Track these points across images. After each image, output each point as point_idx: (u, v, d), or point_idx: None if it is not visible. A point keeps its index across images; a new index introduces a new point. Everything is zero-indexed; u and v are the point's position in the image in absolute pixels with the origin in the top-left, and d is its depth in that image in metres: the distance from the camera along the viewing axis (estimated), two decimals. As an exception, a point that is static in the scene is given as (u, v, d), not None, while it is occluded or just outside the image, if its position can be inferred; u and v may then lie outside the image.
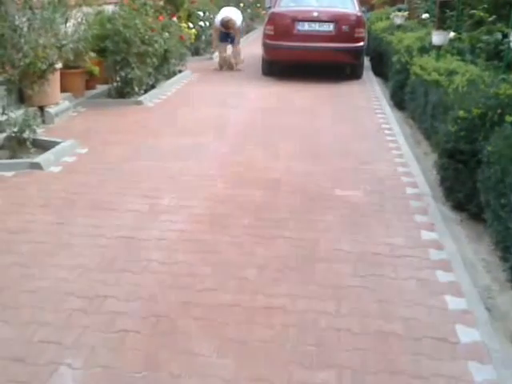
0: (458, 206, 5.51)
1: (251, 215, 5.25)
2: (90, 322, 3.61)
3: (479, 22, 9.66)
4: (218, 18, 13.87)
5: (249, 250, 4.58)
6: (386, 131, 8.31)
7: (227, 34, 13.83)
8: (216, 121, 8.71)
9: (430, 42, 9.65)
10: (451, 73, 7.44)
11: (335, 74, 12.92)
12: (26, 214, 5.22)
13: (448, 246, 4.67)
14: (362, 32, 12.51)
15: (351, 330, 3.54)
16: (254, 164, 6.68)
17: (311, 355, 3.30)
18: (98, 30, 9.67)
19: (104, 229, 4.93)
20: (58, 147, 6.90)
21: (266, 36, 12.72)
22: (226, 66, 13.96)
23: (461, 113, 5.40)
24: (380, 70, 13.42)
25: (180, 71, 12.63)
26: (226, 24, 13.74)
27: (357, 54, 12.60)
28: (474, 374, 3.18)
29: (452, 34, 8.87)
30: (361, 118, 9.12)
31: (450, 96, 6.59)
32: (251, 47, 15.78)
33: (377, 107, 10.00)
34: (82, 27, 9.36)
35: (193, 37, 13.97)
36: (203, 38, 15.79)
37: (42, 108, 8.34)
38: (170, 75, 11.83)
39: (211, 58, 15.44)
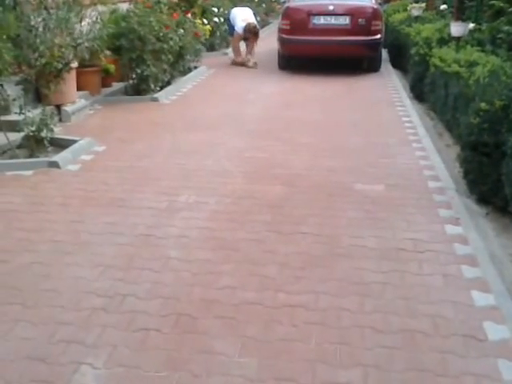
0: (483, 200, 5.41)
1: (271, 211, 5.18)
2: (111, 320, 3.57)
3: (499, 12, 9.53)
4: (239, 24, 13.67)
5: (269, 247, 4.51)
6: (407, 124, 8.22)
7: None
8: (233, 116, 8.66)
9: (449, 34, 9.54)
10: (472, 64, 7.33)
11: (353, 67, 12.81)
12: (45, 213, 5.19)
13: (473, 241, 4.58)
14: (378, 24, 12.37)
15: (375, 327, 3.46)
16: (273, 159, 6.61)
17: (335, 354, 3.23)
18: (113, 28, 9.61)
19: (123, 227, 4.89)
20: (75, 145, 6.87)
21: (281, 31, 12.64)
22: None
23: (483, 105, 5.29)
24: (398, 63, 13.29)
25: (195, 67, 12.56)
26: (253, 30, 13.61)
27: (374, 46, 12.46)
28: (503, 372, 3.10)
29: (471, 25, 8.71)
30: (380, 111, 9.02)
31: (471, 88, 6.48)
32: (267, 42, 15.65)
33: (396, 100, 9.89)
34: (97, 26, 9.30)
35: (207, 33, 13.87)
36: (218, 33, 15.69)
37: (58, 107, 8.32)
38: (185, 71, 11.78)
39: (226, 54, 15.35)
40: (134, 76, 9.69)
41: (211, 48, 15.61)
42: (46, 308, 3.70)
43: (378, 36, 12.36)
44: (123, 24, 9.57)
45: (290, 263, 4.27)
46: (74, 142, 7.00)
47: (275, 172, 6.18)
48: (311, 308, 3.68)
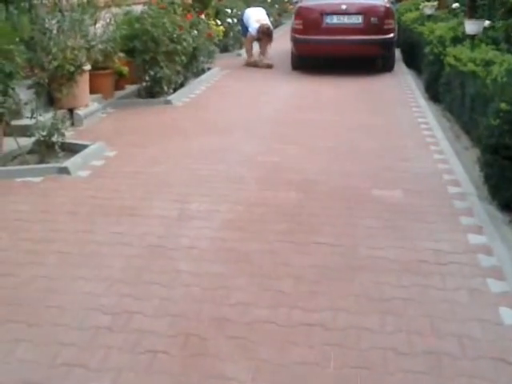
0: (506, 206, 5.17)
1: (285, 220, 4.99)
2: (116, 341, 3.38)
3: (510, 11, 9.31)
4: (253, 25, 13.49)
5: (284, 259, 4.32)
6: (423, 125, 8.00)
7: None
8: (246, 119, 8.47)
9: (463, 32, 9.31)
10: (488, 63, 7.12)
11: (366, 67, 12.60)
12: (52, 222, 5.02)
13: (498, 251, 4.35)
14: (391, 23, 12.17)
15: (398, 349, 3.24)
16: (287, 164, 6.42)
17: (355, 379, 3.01)
18: (127, 30, 9.48)
19: (132, 237, 4.72)
20: (86, 151, 6.72)
21: (294, 30, 12.47)
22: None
23: (503, 105, 5.08)
24: (412, 62, 13.05)
25: (209, 68, 12.38)
26: (266, 31, 13.45)
27: (387, 45, 12.25)
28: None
29: (487, 23, 8.47)
30: (396, 112, 8.80)
31: (488, 87, 6.26)
32: (279, 42, 15.43)
33: (411, 100, 9.67)
34: (111, 28, 9.18)
35: (221, 34, 13.69)
36: (231, 34, 15.51)
37: (71, 110, 8.18)
38: (199, 73, 11.61)
39: (240, 55, 15.17)
40: (147, 78, 9.50)
41: (225, 49, 15.43)
42: (49, 327, 3.53)
43: (391, 35, 12.15)
44: (137, 26, 9.42)
45: (305, 276, 4.07)
46: (85, 146, 6.84)
47: (289, 177, 5.98)
48: (329, 327, 3.47)
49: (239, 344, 3.33)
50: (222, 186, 5.80)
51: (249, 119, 8.45)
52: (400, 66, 13.13)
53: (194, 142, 7.28)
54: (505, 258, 4.25)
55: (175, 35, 9.63)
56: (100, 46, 8.74)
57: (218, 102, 9.78)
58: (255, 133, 7.70)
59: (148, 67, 9.34)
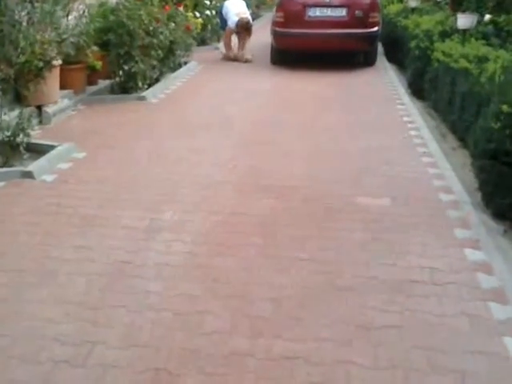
0: (501, 215, 4.81)
1: (264, 232, 4.61)
2: (75, 378, 2.98)
3: (500, 4, 8.98)
4: (232, 18, 13.02)
5: (263, 278, 3.93)
6: (409, 124, 7.64)
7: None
8: (222, 118, 8.04)
9: (452, 26, 8.98)
10: (481, 59, 6.77)
11: (347, 61, 12.23)
12: (10, 235, 4.59)
13: (499, 269, 3.99)
14: (376, 16, 11.76)
15: (394, 390, 2.86)
16: (266, 168, 6.03)
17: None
18: (101, 22, 9.01)
19: (96, 252, 4.30)
20: (52, 152, 6.28)
21: (275, 23, 11.99)
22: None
23: (504, 107, 4.71)
24: (394, 56, 12.70)
25: (186, 63, 11.94)
26: (245, 26, 13.01)
27: (371, 39, 11.88)
28: None
29: (488, 17, 8.09)
30: (380, 110, 8.42)
31: (484, 86, 5.90)
32: (258, 36, 14.95)
33: (395, 97, 9.31)
34: (84, 20, 8.70)
35: (199, 26, 13.24)
36: (209, 27, 15.04)
37: (39, 107, 7.71)
38: (175, 67, 11.16)
39: (217, 48, 14.72)
40: (121, 73, 9.05)
41: (202, 42, 14.98)
42: (-2, 362, 3.10)
43: (376, 28, 11.76)
44: (112, 18, 8.94)
45: (286, 299, 3.69)
46: (52, 147, 6.40)
47: (268, 183, 5.59)
48: (313, 361, 3.09)
49: (214, 381, 2.93)
50: (196, 192, 5.40)
51: (225, 117, 8.04)
52: (382, 60, 12.77)
53: (167, 143, 6.86)
54: (506, 277, 3.89)
55: (151, 28, 9.18)
56: (72, 40, 8.29)
57: (193, 98, 9.34)
58: (232, 133, 7.30)
59: (122, 62, 8.88)
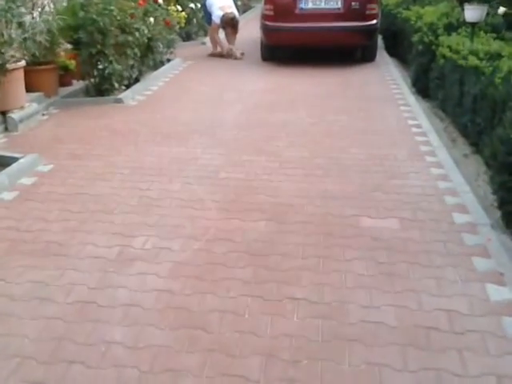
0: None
1: (253, 262, 3.95)
2: None
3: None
4: (216, 12, 12.23)
5: (250, 324, 3.28)
6: (414, 129, 6.93)
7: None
8: (207, 122, 7.32)
9: (458, 18, 8.33)
10: (493, 56, 6.12)
11: (344, 57, 11.54)
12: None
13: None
14: (374, 8, 10.93)
15: None
16: (256, 182, 5.34)
17: None
18: (70, 19, 8.27)
19: (55, 288, 3.68)
20: (14, 166, 5.61)
21: (264, 17, 11.18)
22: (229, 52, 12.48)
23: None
24: (395, 51, 12.03)
25: (169, 60, 11.23)
26: (230, 22, 12.26)
27: (369, 33, 11.07)
28: None
29: (502, 10, 7.40)
30: (382, 112, 7.72)
31: (498, 88, 5.24)
32: (248, 29, 14.27)
33: (399, 96, 8.60)
34: (48, 17, 7.98)
35: (183, 20, 12.49)
36: (194, 21, 14.30)
37: (4, 113, 6.99)
38: (157, 65, 10.45)
39: (204, 43, 13.99)
40: (95, 74, 8.32)
41: (188, 37, 14.31)
42: None
43: (374, 21, 10.95)
44: (81, 14, 8.16)
45: (278, 353, 3.05)
46: (15, 159, 5.74)
47: (258, 200, 4.91)
48: None
49: None
50: (175, 212, 4.72)
51: (212, 122, 7.33)
52: (382, 55, 12.03)
53: (145, 153, 6.16)
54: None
55: (126, 24, 8.46)
56: (39, 38, 7.59)
57: (176, 100, 8.62)
58: (218, 140, 6.60)
59: (95, 62, 8.15)
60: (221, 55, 12.43)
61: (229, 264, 3.93)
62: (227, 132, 6.88)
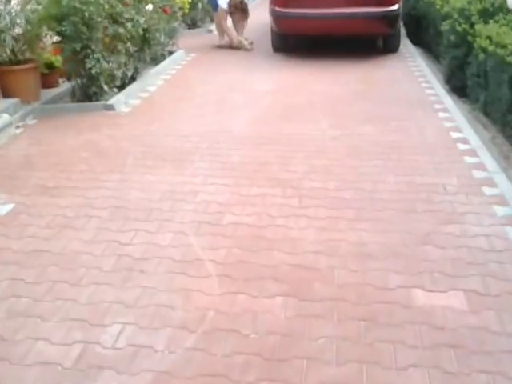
0: None
1: (266, 374, 2.83)
2: None
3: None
4: None
5: None
6: (461, 145, 5.68)
7: None
8: (210, 137, 6.09)
9: (493, 3, 7.16)
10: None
11: (365, 46, 10.27)
12: None
13: None
14: (396, -8, 9.64)
15: None
16: (269, 232, 4.15)
17: None
18: (53, 7, 7.05)
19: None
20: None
21: (273, 2, 9.86)
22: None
23: None
24: (418, 38, 10.77)
25: (171, 52, 9.99)
26: (239, 6, 10.99)
27: (391, 20, 9.68)
28: None
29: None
30: (417, 121, 6.48)
31: None
32: (258, 13, 12.90)
33: (433, 98, 7.34)
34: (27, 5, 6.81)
35: (186, 6, 11.21)
36: (200, 6, 13.00)
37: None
38: (157, 59, 9.22)
39: (211, 31, 12.71)
40: (82, 73, 7.13)
41: (193, 24, 13.02)
42: None
43: (395, 6, 9.56)
44: (64, 2, 6.90)
45: None
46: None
47: (273, 261, 3.74)
48: None
49: None
50: (163, 282, 3.56)
51: (215, 136, 6.12)
52: (404, 43, 10.70)
53: (131, 184, 4.97)
54: None
55: (117, 14, 7.24)
56: (14, 31, 6.47)
57: (175, 104, 7.40)
58: (223, 163, 5.40)
59: (80, 60, 6.94)
60: (229, 47, 11.15)
61: (233, 376, 2.77)
62: (234, 151, 5.67)
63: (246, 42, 10.95)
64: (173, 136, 6.15)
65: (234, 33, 11.24)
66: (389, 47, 10.23)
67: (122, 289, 3.49)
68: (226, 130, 6.28)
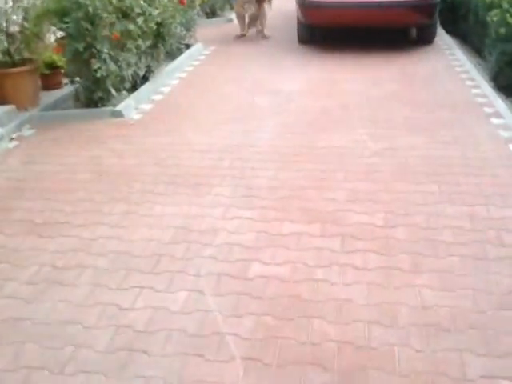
0: None
1: None
2: None
3: None
4: None
5: None
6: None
7: None
8: (233, 153, 5.25)
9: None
10: None
11: (397, 38, 9.39)
12: None
13: None
14: (433, -22, 8.73)
15: None
16: (307, 291, 3.32)
17: None
18: (53, 2, 6.25)
19: None
20: None
21: None
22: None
23: None
24: (453, 28, 9.83)
25: (188, 46, 9.13)
26: None
27: (430, 9, 8.81)
28: None
29: None
30: (469, 130, 5.63)
31: None
32: (279, 2, 11.92)
33: (481, 100, 6.47)
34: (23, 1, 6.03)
35: (205, -6, 10.37)
36: (219, -8, 12.15)
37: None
38: (173, 54, 8.38)
39: (231, 20, 11.81)
40: (85, 76, 6.30)
41: (212, 13, 12.13)
42: None
43: None
44: None
45: None
46: None
47: (314, 336, 2.94)
48: None
49: None
50: (169, 373, 2.76)
51: (238, 151, 5.27)
52: (439, 33, 9.72)
53: (138, 218, 4.15)
54: None
55: (125, 8, 6.40)
56: (12, 29, 5.70)
57: (192, 109, 6.55)
58: (247, 188, 4.55)
59: (84, 61, 6.12)
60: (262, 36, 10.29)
61: None
62: (260, 171, 4.83)
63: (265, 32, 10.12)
64: (188, 151, 5.31)
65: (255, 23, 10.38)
66: (424, 38, 9.38)
67: (119, 381, 2.67)
68: (250, 143, 5.44)
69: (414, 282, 3.31)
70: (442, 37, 9.73)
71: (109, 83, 6.24)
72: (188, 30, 9.14)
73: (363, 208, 4.16)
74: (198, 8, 9.74)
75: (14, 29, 6.09)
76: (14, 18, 6.08)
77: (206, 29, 10.68)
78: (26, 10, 6.15)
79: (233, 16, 11.72)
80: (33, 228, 4.03)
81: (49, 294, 3.30)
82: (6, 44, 6.07)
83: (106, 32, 6.12)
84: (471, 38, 8.74)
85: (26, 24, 6.17)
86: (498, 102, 6.35)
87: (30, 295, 3.30)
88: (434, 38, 9.40)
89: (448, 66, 7.95)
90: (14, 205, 4.39)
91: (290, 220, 4.02)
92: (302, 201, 4.30)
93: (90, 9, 5.90)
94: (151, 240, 3.82)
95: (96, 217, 4.15)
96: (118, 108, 6.28)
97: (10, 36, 6.14)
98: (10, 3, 6.09)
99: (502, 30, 6.65)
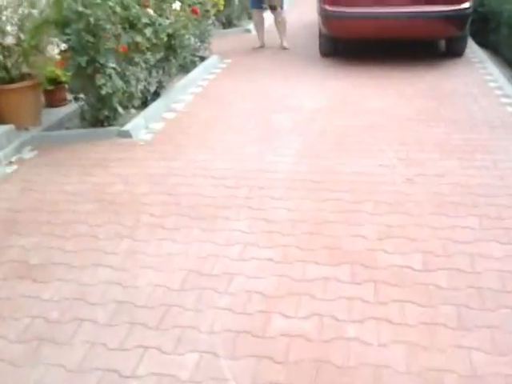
0: None
1: None
2: None
3: None
4: None
5: None
6: None
7: None
8: (251, 179, 4.77)
9: None
10: None
11: (424, 48, 8.90)
12: None
13: None
14: (466, -12, 8.21)
15: None
16: (327, 339, 2.90)
17: None
18: (52, 12, 5.84)
19: None
20: None
21: (324, 0, 8.51)
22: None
23: None
24: (485, 39, 9.36)
25: (203, 58, 8.70)
26: (272, 3, 9.71)
27: (461, 21, 8.28)
28: None
29: None
30: (504, 151, 5.19)
31: None
32: (300, 11, 11.46)
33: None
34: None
35: (221, 2, 9.90)
36: (236, 2, 11.69)
37: None
38: (187, 67, 7.95)
39: (249, 31, 11.38)
40: (89, 94, 5.88)
41: (229, 23, 11.71)
42: None
43: (467, 4, 8.18)
44: (65, 4, 5.62)
45: None
46: None
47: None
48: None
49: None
50: None
51: (256, 178, 4.78)
52: (469, 45, 9.21)
53: (143, 259, 3.69)
54: None
55: (131, 17, 5.97)
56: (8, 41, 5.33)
57: (206, 130, 6.07)
58: (266, 222, 4.09)
59: (86, 77, 5.69)
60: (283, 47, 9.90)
61: None
62: (280, 202, 4.36)
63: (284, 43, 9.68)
64: (202, 177, 4.86)
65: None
66: (454, 50, 8.87)
67: None
68: (270, 169, 4.97)
69: (462, 342, 2.84)
70: (472, 49, 9.24)
71: (115, 100, 5.81)
72: (202, 41, 8.75)
73: (397, 247, 3.68)
74: (213, 18, 9.29)
75: (11, 41, 5.66)
76: (9, 28, 5.64)
77: (222, 40, 10.28)
78: (21, 21, 5.71)
79: (251, 26, 11.30)
80: (27, 271, 3.59)
81: (39, 357, 2.85)
82: (1, 58, 5.64)
83: (110, 44, 5.67)
84: (503, 50, 8.28)
85: (21, 35, 5.73)
86: (538, 121, 5.87)
87: (18, 359, 2.84)
88: (464, 50, 8.89)
89: (480, 81, 7.47)
90: (7, 241, 3.95)
91: (314, 261, 3.56)
92: (327, 237, 3.83)
93: (92, 19, 5.46)
94: (158, 286, 3.37)
95: (97, 256, 3.70)
96: (126, 128, 5.85)
97: (5, 49, 5.71)
98: (5, 13, 5.66)
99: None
